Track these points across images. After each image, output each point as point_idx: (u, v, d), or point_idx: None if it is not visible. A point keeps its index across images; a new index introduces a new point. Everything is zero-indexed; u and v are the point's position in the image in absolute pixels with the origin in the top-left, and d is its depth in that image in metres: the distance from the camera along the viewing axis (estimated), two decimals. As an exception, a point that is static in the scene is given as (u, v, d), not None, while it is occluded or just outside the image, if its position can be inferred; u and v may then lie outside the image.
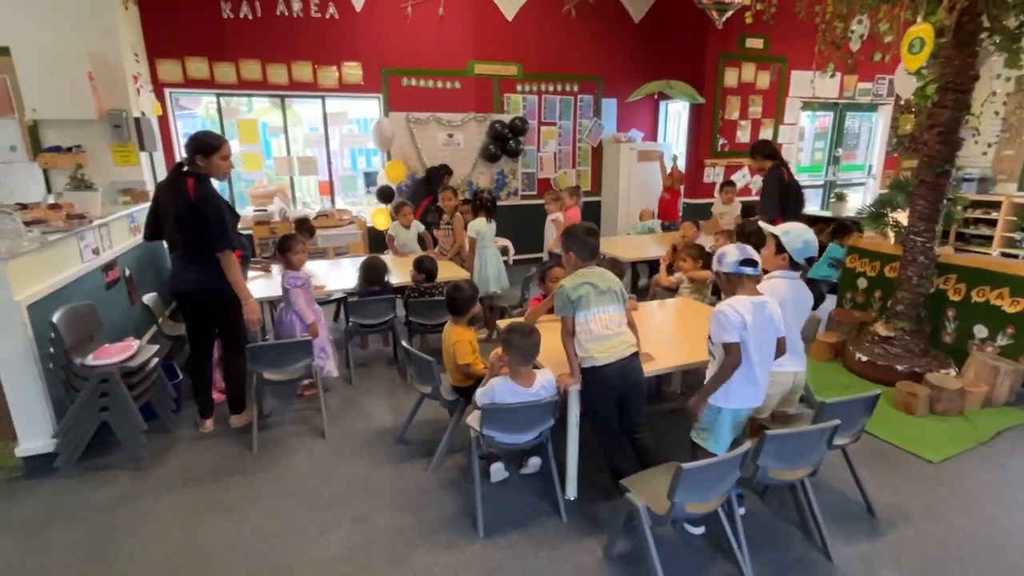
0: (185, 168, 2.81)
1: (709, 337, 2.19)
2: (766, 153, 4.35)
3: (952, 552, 2.22)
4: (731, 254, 2.13)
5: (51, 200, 3.69)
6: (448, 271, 4.22)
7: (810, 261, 2.44)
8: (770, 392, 2.35)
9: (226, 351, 3.09)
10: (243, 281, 2.91)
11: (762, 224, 2.62)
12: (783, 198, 4.12)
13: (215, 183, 2.89)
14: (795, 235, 2.41)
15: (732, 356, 2.06)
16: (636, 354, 2.33)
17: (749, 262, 2.12)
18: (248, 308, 2.92)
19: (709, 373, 2.24)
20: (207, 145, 2.80)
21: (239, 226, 3.25)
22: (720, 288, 2.29)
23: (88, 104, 4.32)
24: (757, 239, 2.97)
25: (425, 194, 5.74)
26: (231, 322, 2.99)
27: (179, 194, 2.74)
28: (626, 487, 2.04)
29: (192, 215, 2.74)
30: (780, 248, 2.43)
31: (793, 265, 2.42)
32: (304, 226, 4.84)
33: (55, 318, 2.62)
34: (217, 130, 6.05)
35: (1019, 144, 7.01)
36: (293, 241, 3.45)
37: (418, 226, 5.00)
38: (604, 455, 2.49)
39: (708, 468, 1.80)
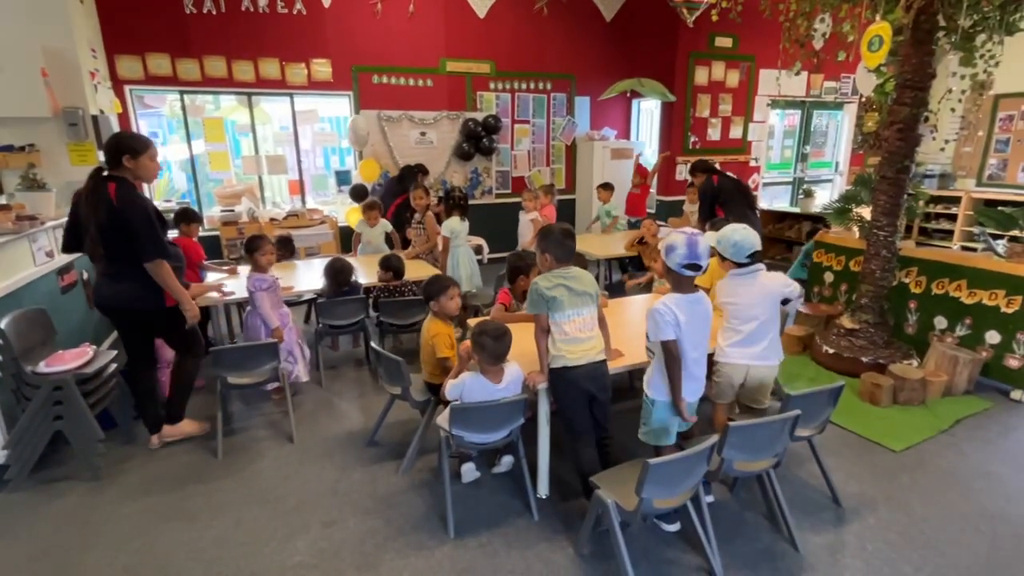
0: (105, 172, 2.56)
1: (647, 335, 2.23)
2: (701, 169, 5.03)
3: (914, 538, 2.27)
4: (679, 251, 2.07)
5: (1, 201, 3.53)
6: (418, 270, 4.18)
7: (755, 256, 2.41)
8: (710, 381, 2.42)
9: (177, 355, 2.96)
10: (179, 285, 2.70)
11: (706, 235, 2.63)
12: (713, 199, 4.77)
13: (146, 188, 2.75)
14: (724, 241, 2.41)
15: (672, 353, 2.09)
16: (605, 361, 2.33)
17: (693, 267, 2.08)
18: (189, 310, 2.76)
19: (649, 372, 2.25)
20: (135, 145, 2.58)
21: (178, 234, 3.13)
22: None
23: (41, 101, 4.14)
24: None
25: (397, 193, 5.66)
26: (172, 333, 2.85)
27: (100, 201, 2.47)
28: (596, 484, 2.04)
29: (116, 223, 2.48)
30: (722, 256, 2.47)
31: (739, 266, 2.42)
32: (287, 246, 4.75)
33: (2, 324, 2.51)
34: (182, 129, 5.93)
35: (977, 141, 7.25)
36: (261, 241, 3.36)
37: (385, 225, 4.93)
38: (572, 458, 2.46)
39: (675, 463, 1.80)
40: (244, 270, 4.15)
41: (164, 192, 6.63)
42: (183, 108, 5.81)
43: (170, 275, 2.63)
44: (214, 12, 5.53)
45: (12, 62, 3.99)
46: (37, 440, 2.60)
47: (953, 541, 2.26)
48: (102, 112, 4.67)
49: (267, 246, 3.37)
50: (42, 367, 2.61)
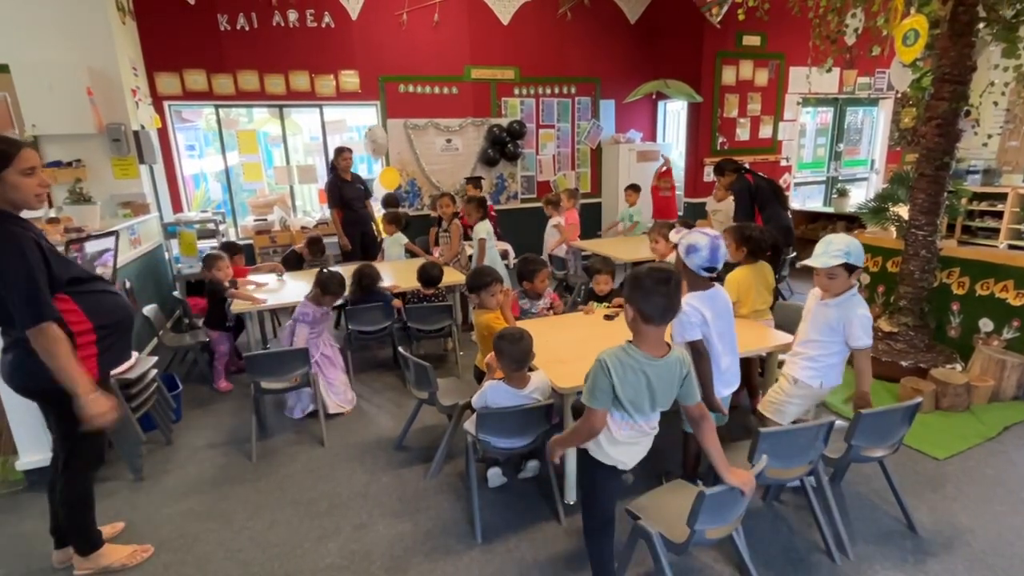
0: None
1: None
2: (731, 168, 4.74)
3: (959, 551, 2.18)
4: (701, 253, 2.05)
5: (51, 215, 3.72)
6: (449, 277, 4.21)
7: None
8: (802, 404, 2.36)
9: (64, 459, 2.05)
10: (73, 365, 1.78)
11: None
12: (753, 199, 4.51)
13: (37, 215, 2.05)
14: (856, 246, 2.17)
15: (701, 352, 2.08)
16: None
17: (710, 270, 2.10)
18: (87, 405, 1.80)
19: None
20: None
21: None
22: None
23: (87, 118, 4.36)
24: (755, 244, 2.96)
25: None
26: (67, 419, 1.88)
27: None
28: (636, 513, 1.87)
29: None
30: (850, 267, 2.19)
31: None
32: (316, 246, 4.89)
33: (52, 331, 2.62)
34: (218, 141, 6.12)
35: (1023, 135, 6.93)
36: (334, 285, 3.40)
37: (400, 237, 5.03)
38: (589, 549, 1.96)
39: (728, 492, 1.68)
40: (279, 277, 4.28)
41: (201, 203, 6.87)
42: (218, 121, 6.01)
43: (60, 348, 1.76)
44: (247, 28, 5.71)
45: (60, 82, 4.21)
46: (84, 442, 2.71)
47: (1001, 554, 2.16)
48: (143, 127, 4.88)
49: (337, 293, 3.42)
50: (88, 372, 2.71)
